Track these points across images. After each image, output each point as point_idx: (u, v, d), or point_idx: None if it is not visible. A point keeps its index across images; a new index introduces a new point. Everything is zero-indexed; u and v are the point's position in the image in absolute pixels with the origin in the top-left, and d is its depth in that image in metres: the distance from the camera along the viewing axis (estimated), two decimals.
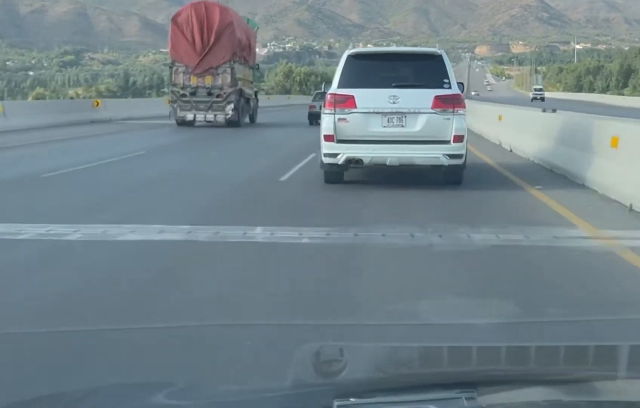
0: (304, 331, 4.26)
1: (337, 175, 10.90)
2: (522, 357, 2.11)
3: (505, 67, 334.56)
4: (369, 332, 4.24)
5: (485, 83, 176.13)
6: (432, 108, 10.18)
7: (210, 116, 27.93)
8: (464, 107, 10.47)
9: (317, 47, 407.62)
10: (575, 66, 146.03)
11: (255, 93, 34.27)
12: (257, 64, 36.32)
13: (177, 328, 4.35)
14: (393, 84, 10.39)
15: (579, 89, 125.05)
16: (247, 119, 31.34)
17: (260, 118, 33.93)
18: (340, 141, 10.23)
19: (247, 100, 30.90)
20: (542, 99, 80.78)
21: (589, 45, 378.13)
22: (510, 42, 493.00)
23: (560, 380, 1.85)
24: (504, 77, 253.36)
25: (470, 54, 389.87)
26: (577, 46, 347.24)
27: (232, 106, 27.70)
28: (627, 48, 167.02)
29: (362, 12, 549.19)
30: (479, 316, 4.78)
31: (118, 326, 4.54)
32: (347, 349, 2.27)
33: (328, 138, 10.32)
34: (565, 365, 2.04)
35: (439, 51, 11.00)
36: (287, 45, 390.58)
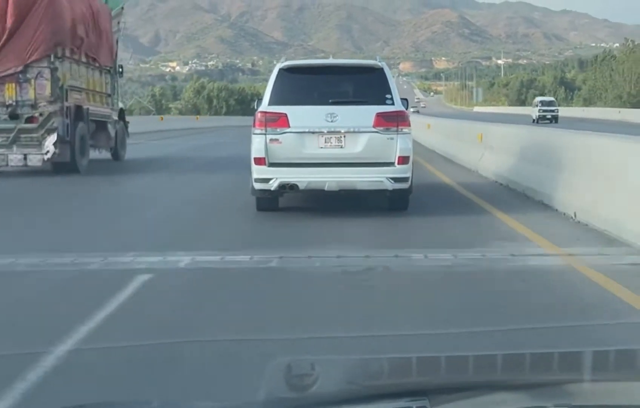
0: (274, 346, 4.27)
1: (270, 202, 10.07)
2: (488, 364, 2.19)
3: (431, 82, 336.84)
4: (339, 345, 4.26)
5: (417, 100, 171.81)
6: (373, 127, 9.41)
7: (15, 157, 15.60)
8: (409, 125, 9.73)
9: (240, 65, 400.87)
10: (507, 80, 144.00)
11: (121, 113, 21.69)
12: (120, 67, 21.87)
13: (146, 346, 4.31)
14: (330, 101, 9.61)
15: (521, 103, 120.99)
16: (110, 155, 20.38)
17: (147, 149, 25.61)
18: (272, 165, 9.40)
19: (101, 125, 19.29)
20: (555, 119, 55.61)
21: (510, 60, 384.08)
22: (433, 58, 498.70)
23: (526, 385, 1.95)
24: (432, 93, 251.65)
25: (395, 70, 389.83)
26: (499, 61, 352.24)
27: (53, 137, 15.59)
28: (548, 62, 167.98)
29: (285, 29, 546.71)
30: (447, 327, 4.83)
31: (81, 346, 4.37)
32: (318, 362, 2.30)
33: (259, 161, 9.45)
34: (529, 371, 2.11)
35: (380, 64, 10.15)
36: (209, 63, 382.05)
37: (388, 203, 10.16)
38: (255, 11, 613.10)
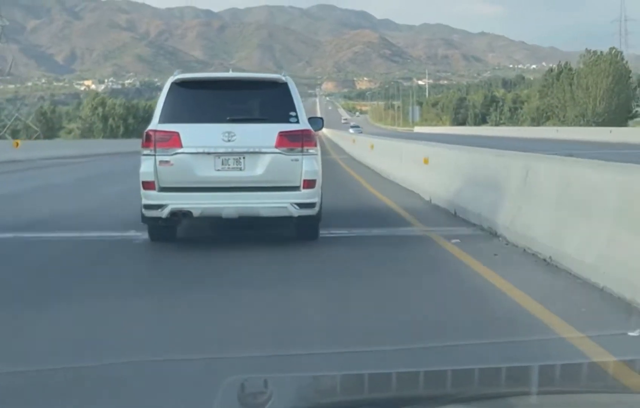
0: (227, 364, 4.28)
1: (166, 231, 9.13)
2: (439, 380, 2.28)
3: (355, 102, 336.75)
4: (291, 362, 4.27)
5: (344, 121, 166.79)
6: (276, 147, 8.63)
7: None
8: (316, 145, 9.00)
9: (158, 83, 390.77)
10: (436, 99, 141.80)
11: None
12: None
13: (96, 367, 4.23)
14: (228, 118, 8.78)
15: (461, 123, 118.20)
16: None
17: None
18: (163, 189, 8.58)
19: None
20: None
21: (431, 80, 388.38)
22: (355, 79, 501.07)
23: (474, 398, 2.08)
24: (357, 113, 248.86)
25: (318, 89, 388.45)
26: (420, 82, 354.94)
27: None
28: (465, 82, 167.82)
29: (206, 48, 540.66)
30: (398, 343, 4.89)
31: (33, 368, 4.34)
32: (271, 380, 2.33)
33: (148, 186, 8.57)
34: (480, 385, 2.24)
35: (283, 78, 9.20)
36: (126, 82, 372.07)
37: (296, 231, 9.33)
38: (174, 30, 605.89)
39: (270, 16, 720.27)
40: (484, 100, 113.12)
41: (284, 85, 9.15)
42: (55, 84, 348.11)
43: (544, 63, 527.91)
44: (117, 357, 4.77)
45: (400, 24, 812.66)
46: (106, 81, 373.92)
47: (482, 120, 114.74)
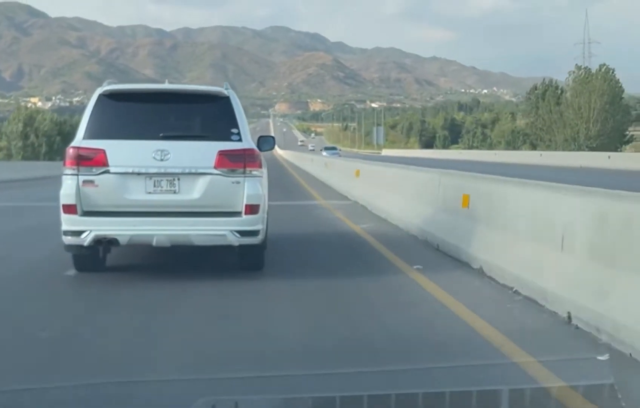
0: (198, 386, 4.16)
1: (93, 260, 8.21)
2: (411, 402, 2.31)
3: (309, 123, 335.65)
4: (262, 384, 4.23)
5: (300, 143, 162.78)
6: (215, 167, 7.79)
7: None
8: (261, 166, 8.14)
9: None
10: (394, 121, 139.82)
11: None
12: None
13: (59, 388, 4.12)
14: (162, 135, 7.85)
15: (428, 145, 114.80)
16: None
17: None
18: (86, 213, 7.70)
19: None
20: None
21: (384, 103, 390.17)
22: (308, 100, 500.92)
23: None
24: (313, 134, 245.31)
25: (271, 110, 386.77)
26: (374, 104, 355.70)
27: None
28: (420, 106, 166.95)
29: (158, 67, 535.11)
30: (369, 365, 4.90)
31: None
32: (242, 403, 2.33)
33: (68, 209, 7.68)
34: None
35: (225, 91, 8.31)
36: (74, 99, 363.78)
37: (239, 261, 8.47)
38: (126, 48, 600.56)
39: (223, 36, 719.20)
40: (444, 123, 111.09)
41: (226, 99, 8.27)
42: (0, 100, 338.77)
43: (494, 88, 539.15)
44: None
45: (354, 47, 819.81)
46: (54, 98, 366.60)
47: (451, 143, 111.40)
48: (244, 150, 7.99)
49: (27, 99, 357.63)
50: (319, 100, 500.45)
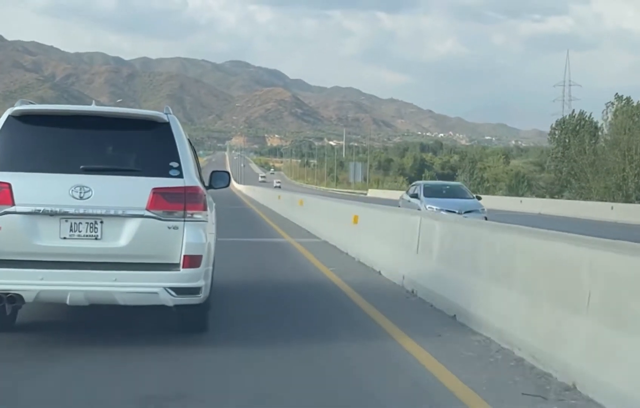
0: None
1: None
2: None
3: (267, 158, 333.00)
4: None
5: (261, 179, 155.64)
6: (148, 209, 6.52)
7: None
8: (205, 208, 6.84)
9: None
10: (360, 159, 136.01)
11: None
12: None
13: None
14: (82, 167, 6.60)
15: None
16: None
17: None
18: None
19: None
20: None
21: (342, 142, 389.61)
22: (266, 135, 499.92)
23: None
24: (272, 169, 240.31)
25: (228, 143, 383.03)
26: (331, 142, 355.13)
27: None
28: (379, 146, 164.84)
29: (113, 95, 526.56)
30: None
31: None
32: None
33: None
34: None
35: (165, 116, 7.03)
36: None
37: (179, 322, 7.25)
38: (82, 74, 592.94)
39: (182, 68, 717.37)
40: (414, 163, 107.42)
41: (165, 126, 6.91)
42: None
43: (450, 132, 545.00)
44: None
45: (312, 85, 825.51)
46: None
47: None
48: (185, 188, 6.70)
49: None
50: (276, 135, 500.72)
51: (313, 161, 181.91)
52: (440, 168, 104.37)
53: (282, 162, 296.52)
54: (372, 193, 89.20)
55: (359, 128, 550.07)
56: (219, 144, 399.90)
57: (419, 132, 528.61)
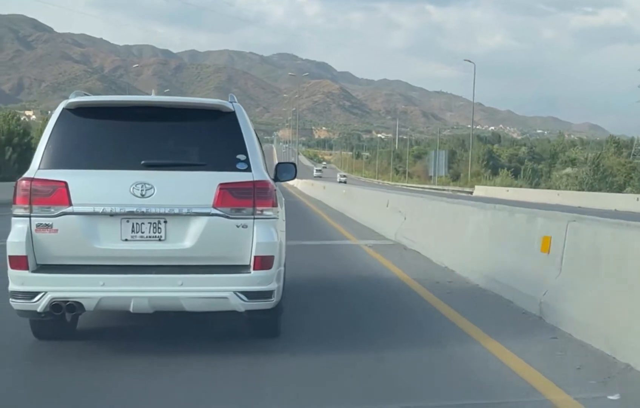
0: None
1: (54, 326, 6.51)
2: None
3: (315, 150, 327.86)
4: None
5: (317, 173, 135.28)
6: (215, 206, 6.05)
7: None
8: (275, 204, 6.28)
9: None
10: (419, 150, 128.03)
11: None
12: None
13: None
14: (143, 162, 6.09)
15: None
16: None
17: None
18: (41, 268, 5.95)
19: None
20: None
21: (390, 134, 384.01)
22: (313, 127, 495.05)
23: None
24: (324, 162, 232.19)
25: (275, 136, 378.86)
26: (380, 135, 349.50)
27: None
28: (429, 138, 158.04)
29: (161, 87, 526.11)
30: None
31: None
32: None
33: (17, 263, 5.90)
34: None
35: (230, 105, 6.43)
36: None
37: (248, 326, 6.76)
38: (130, 66, 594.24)
39: (229, 60, 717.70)
40: (482, 155, 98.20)
41: (231, 115, 6.36)
42: None
43: (501, 126, 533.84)
44: None
45: (360, 77, 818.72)
46: (49, 111, 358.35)
47: (547, 177, 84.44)
48: (254, 183, 6.18)
49: (22, 112, 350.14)
50: (324, 128, 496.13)
51: (365, 154, 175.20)
52: (508, 161, 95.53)
53: (331, 154, 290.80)
54: (481, 191, 65.60)
55: (408, 121, 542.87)
56: (266, 137, 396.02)
57: (469, 126, 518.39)
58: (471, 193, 65.62)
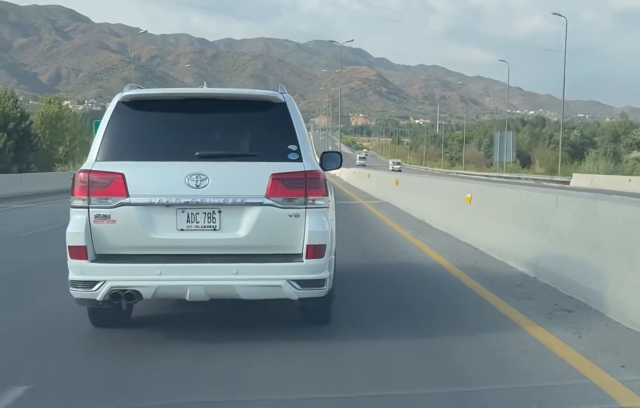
0: None
1: (111, 314, 6.76)
2: None
3: (352, 136, 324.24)
4: None
5: (360, 161, 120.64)
6: (267, 196, 6.20)
7: None
8: (326, 193, 6.40)
9: None
10: (468, 134, 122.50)
11: None
12: None
13: None
14: (197, 154, 6.27)
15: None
16: None
17: None
18: (99, 258, 6.18)
19: None
20: None
21: (428, 120, 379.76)
22: (350, 114, 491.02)
23: None
24: (365, 150, 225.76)
25: (312, 122, 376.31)
26: (417, 121, 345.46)
27: None
28: (467, 123, 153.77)
29: (198, 75, 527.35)
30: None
31: None
32: None
33: (76, 253, 6.13)
34: None
35: (280, 96, 6.61)
36: (107, 104, 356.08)
37: (301, 314, 6.99)
38: (167, 56, 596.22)
39: (265, 48, 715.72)
40: (531, 139, 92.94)
41: (282, 106, 6.52)
42: (31, 102, 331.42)
43: (541, 110, 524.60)
44: None
45: (396, 63, 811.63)
46: (86, 101, 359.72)
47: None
48: (305, 173, 6.29)
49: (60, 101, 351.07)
50: (361, 114, 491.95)
51: (406, 140, 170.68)
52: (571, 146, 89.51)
53: (369, 141, 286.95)
54: (582, 180, 52.19)
55: (446, 107, 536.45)
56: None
57: (508, 110, 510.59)
58: (568, 182, 53.77)
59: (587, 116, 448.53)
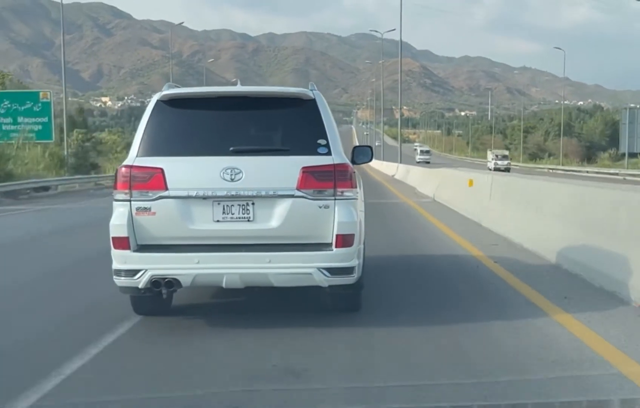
0: None
1: (154, 302, 7.11)
2: None
3: (397, 129, 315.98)
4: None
5: (420, 158, 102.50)
6: (298, 188, 6.51)
7: None
8: (355, 186, 6.69)
9: None
10: (530, 124, 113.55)
11: None
12: None
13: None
14: (232, 149, 6.61)
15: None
16: None
17: None
18: (141, 248, 6.54)
19: None
20: None
21: (474, 112, 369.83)
22: (393, 107, 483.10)
23: None
24: (417, 143, 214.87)
25: (354, 115, 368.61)
26: (463, 113, 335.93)
27: None
28: (513, 115, 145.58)
29: (239, 70, 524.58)
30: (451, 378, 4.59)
31: None
32: None
33: (120, 243, 6.52)
34: None
35: (310, 93, 6.91)
36: (147, 100, 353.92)
37: (330, 301, 7.27)
38: (208, 51, 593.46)
39: (307, 42, 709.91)
40: (604, 127, 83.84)
41: (311, 102, 6.84)
42: (71, 99, 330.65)
43: (590, 100, 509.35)
44: None
45: (440, 55, 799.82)
46: (125, 97, 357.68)
47: None
48: (334, 166, 6.58)
49: (98, 98, 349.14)
50: (404, 107, 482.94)
51: (457, 131, 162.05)
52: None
53: (415, 133, 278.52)
54: None
55: (491, 97, 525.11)
56: (344, 118, 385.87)
57: (556, 101, 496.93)
58: None
59: (637, 106, 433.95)
